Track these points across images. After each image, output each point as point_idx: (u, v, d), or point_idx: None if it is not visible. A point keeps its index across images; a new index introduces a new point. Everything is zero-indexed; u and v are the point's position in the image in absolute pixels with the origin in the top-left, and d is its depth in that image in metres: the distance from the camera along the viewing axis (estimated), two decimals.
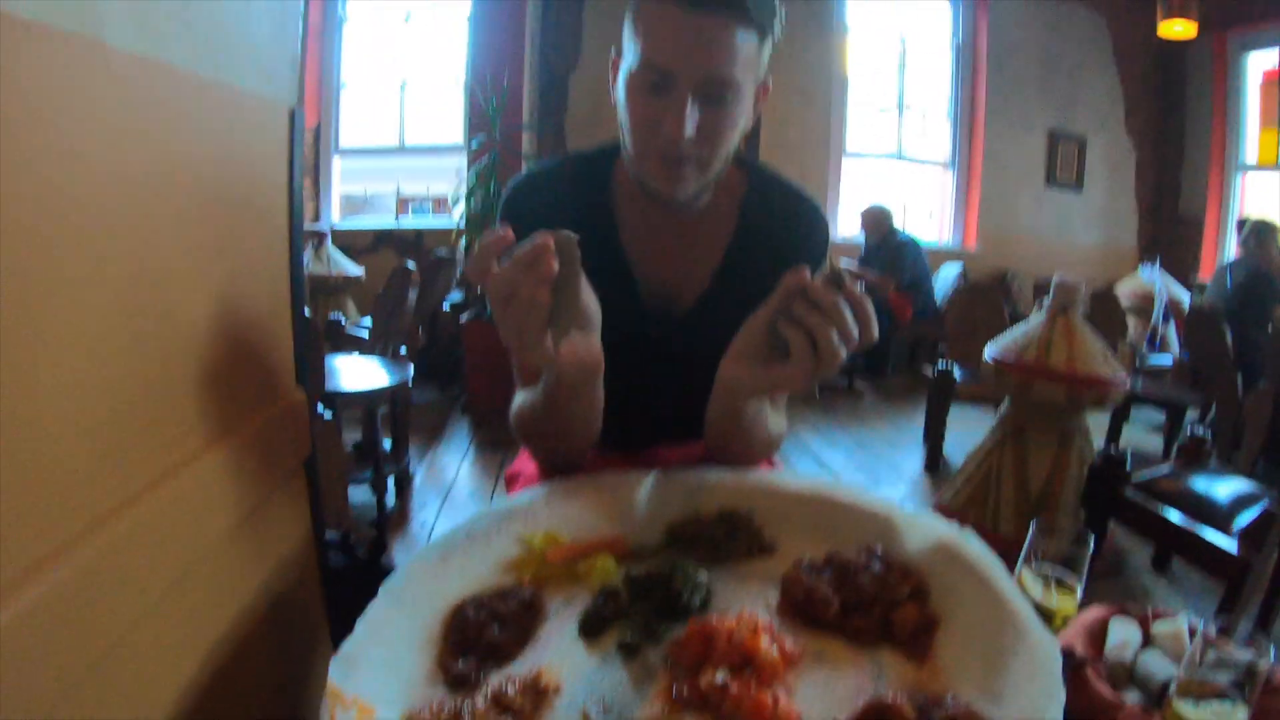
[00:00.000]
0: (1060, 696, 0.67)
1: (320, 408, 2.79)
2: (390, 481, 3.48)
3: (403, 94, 7.14)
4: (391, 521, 3.33)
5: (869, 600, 0.83)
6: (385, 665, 0.74)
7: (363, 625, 0.77)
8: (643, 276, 1.21)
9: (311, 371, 2.73)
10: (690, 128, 1.02)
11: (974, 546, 0.87)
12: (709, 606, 0.85)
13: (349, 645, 0.74)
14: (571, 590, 0.89)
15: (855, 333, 0.92)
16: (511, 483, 1.44)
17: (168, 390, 0.85)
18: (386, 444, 3.55)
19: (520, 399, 1.15)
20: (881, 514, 0.96)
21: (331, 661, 0.71)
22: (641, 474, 1.05)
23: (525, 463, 1.43)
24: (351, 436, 3.62)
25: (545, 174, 1.27)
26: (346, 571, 1.58)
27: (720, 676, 0.71)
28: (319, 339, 2.91)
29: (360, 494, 3.37)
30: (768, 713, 0.69)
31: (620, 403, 1.10)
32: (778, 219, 1.26)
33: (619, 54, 1.12)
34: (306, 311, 1.27)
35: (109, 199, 0.75)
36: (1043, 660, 0.71)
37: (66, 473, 0.69)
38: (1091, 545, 1.06)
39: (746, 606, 0.84)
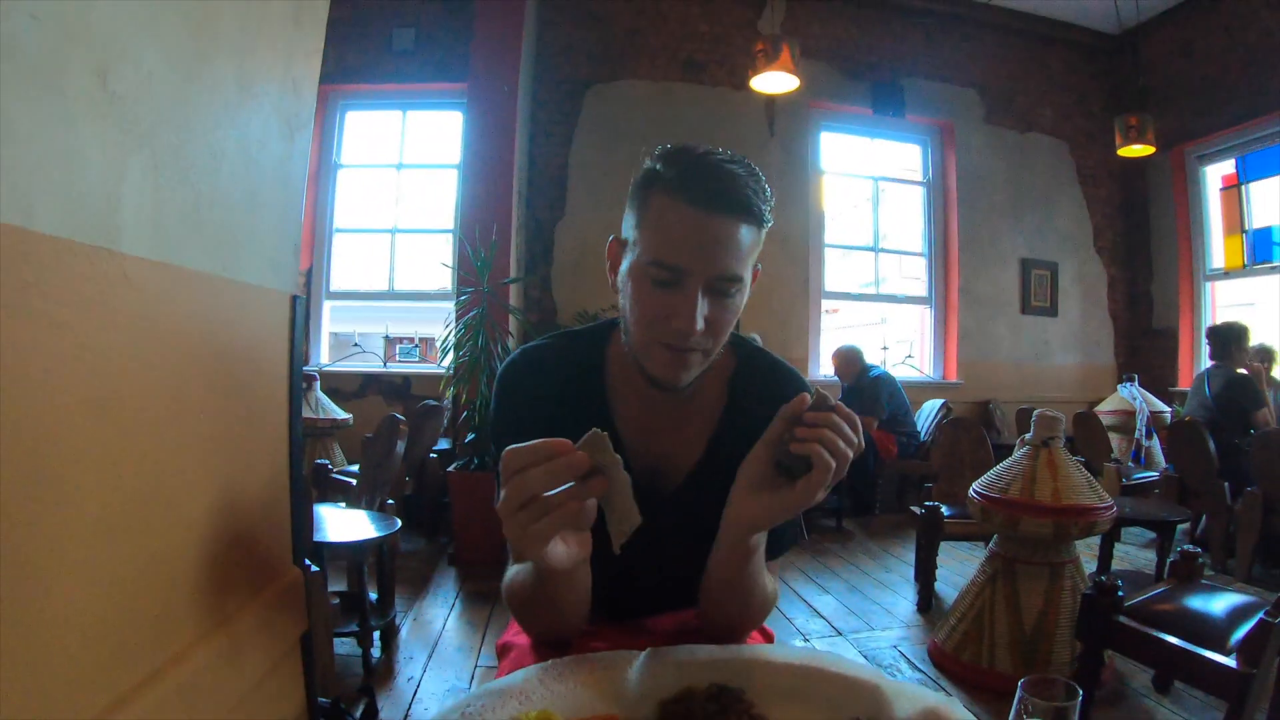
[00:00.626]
0: None
1: (307, 561, 2.78)
2: (376, 635, 3.42)
3: (393, 240, 7.33)
4: (377, 676, 3.26)
5: None
6: None
7: None
8: (634, 454, 1.23)
9: (306, 533, 2.75)
10: (700, 322, 1.07)
11: (959, 715, 0.88)
12: None
13: None
14: None
15: (855, 439, 0.98)
16: (503, 654, 1.43)
17: (171, 580, 0.87)
18: (372, 595, 3.50)
19: (512, 573, 1.17)
20: (870, 683, 0.98)
21: None
22: (633, 652, 1.06)
23: (517, 634, 1.43)
24: (336, 587, 3.56)
25: (539, 351, 1.30)
26: None
27: None
28: (310, 495, 2.91)
29: (344, 646, 3.30)
30: None
31: (610, 577, 1.12)
32: (764, 395, 1.28)
33: (617, 238, 1.18)
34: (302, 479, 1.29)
35: (123, 397, 0.79)
36: None
37: (73, 666, 0.71)
38: (1081, 696, 1.07)
39: None
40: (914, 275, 8.60)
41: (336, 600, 3.41)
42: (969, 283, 8.18)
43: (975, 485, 3.38)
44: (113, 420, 0.78)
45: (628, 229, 1.15)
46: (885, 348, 8.09)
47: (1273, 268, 7.55)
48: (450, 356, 4.91)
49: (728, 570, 1.11)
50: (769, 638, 1.47)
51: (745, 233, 1.07)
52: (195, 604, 0.91)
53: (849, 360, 6.75)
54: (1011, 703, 1.08)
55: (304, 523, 1.24)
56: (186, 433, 0.92)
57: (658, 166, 1.10)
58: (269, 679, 1.10)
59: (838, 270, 8.33)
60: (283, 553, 1.18)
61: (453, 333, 4.92)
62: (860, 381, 6.64)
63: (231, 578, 0.99)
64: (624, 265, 1.15)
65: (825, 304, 7.95)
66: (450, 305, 5.46)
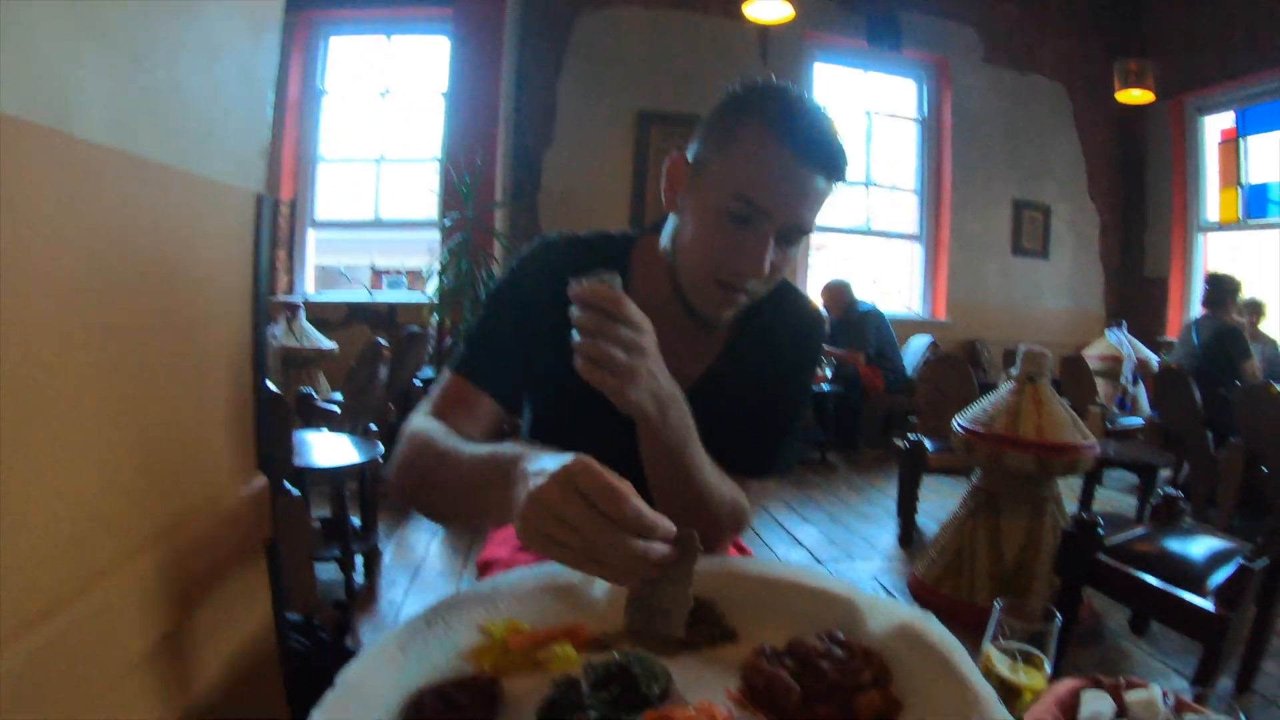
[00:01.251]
0: None
1: (287, 484, 2.76)
2: (359, 560, 3.43)
3: (379, 169, 7.20)
4: (360, 600, 3.27)
5: (831, 687, 0.82)
6: None
7: (318, 717, 0.75)
8: None
9: (280, 448, 2.72)
10: (767, 266, 1.06)
11: (936, 629, 0.87)
12: (669, 696, 0.84)
13: None
14: (532, 679, 0.87)
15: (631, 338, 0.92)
16: (484, 570, 1.42)
17: (126, 481, 0.85)
18: (355, 521, 3.50)
19: (432, 429, 1.08)
20: (843, 598, 0.96)
21: None
22: None
23: (497, 549, 1.41)
24: (320, 513, 3.57)
25: (567, 242, 1.27)
26: (310, 655, 1.54)
27: None
28: (289, 414, 2.89)
29: (328, 571, 3.32)
30: None
31: None
32: (775, 318, 1.29)
33: (682, 156, 1.15)
34: (270, 387, 1.26)
35: (77, 287, 0.75)
36: None
37: (22, 566, 0.68)
38: (1059, 620, 1.06)
39: (706, 696, 0.82)
40: (905, 213, 8.53)
41: (318, 524, 3.42)
42: (960, 222, 8.12)
43: (959, 418, 3.37)
44: (66, 309, 0.74)
45: (703, 151, 1.11)
46: (874, 282, 8.04)
47: (1267, 224, 7.52)
48: (435, 283, 4.86)
49: (646, 452, 1.07)
50: (744, 554, 1.45)
51: (825, 187, 1.08)
52: (150, 505, 0.89)
53: (837, 295, 6.73)
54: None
55: (271, 431, 1.21)
56: (142, 328, 0.88)
57: (750, 95, 1.08)
58: (229, 584, 1.08)
59: (829, 205, 8.19)
60: (246, 460, 1.15)
61: (437, 258, 4.85)
62: (848, 316, 6.63)
63: (190, 481, 0.96)
64: (691, 188, 1.12)
65: (815, 239, 7.87)
66: (436, 235, 5.39)
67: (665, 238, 1.20)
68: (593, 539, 0.77)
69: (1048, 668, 1.04)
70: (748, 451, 1.24)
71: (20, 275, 0.66)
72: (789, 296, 1.31)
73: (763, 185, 1.04)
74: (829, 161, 1.05)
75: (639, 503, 0.78)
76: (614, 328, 0.90)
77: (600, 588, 1.00)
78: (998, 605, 1.07)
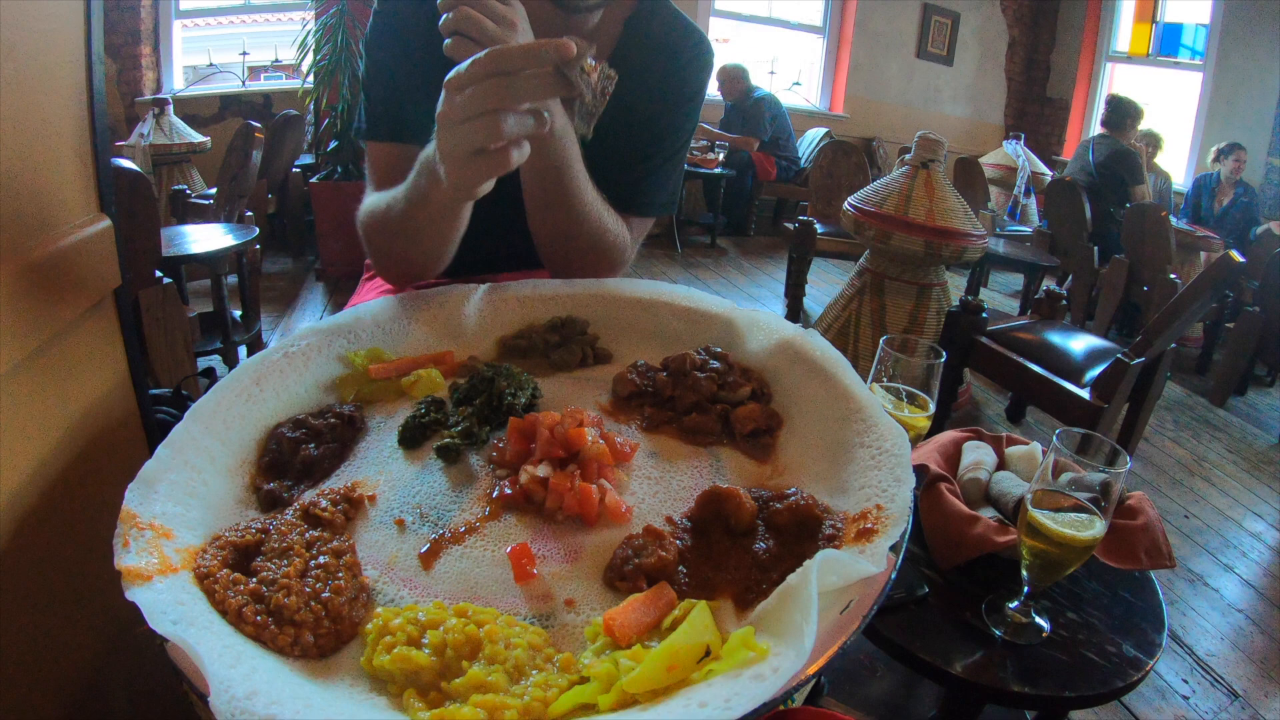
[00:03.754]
0: (909, 480, 0.64)
1: (159, 273, 2.61)
2: (242, 351, 3.31)
3: None
4: None
5: (708, 399, 0.80)
6: (189, 489, 0.67)
7: (165, 449, 0.69)
8: None
9: (145, 236, 2.56)
10: None
11: (817, 344, 0.84)
12: (535, 409, 0.80)
13: (149, 468, 0.66)
14: (395, 406, 0.83)
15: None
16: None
17: None
18: (236, 315, 3.36)
19: (376, 199, 1.04)
20: (723, 316, 0.93)
21: (129, 486, 0.63)
22: (471, 286, 0.98)
23: (368, 287, 1.35)
24: (203, 311, 3.41)
25: None
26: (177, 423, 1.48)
27: (541, 470, 0.67)
28: (152, 200, 2.69)
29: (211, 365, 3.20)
30: (593, 505, 0.65)
31: (479, 233, 1.02)
32: (661, 43, 1.21)
33: None
34: (103, 131, 1.14)
35: None
36: (890, 448, 0.69)
37: None
38: (944, 357, 1.06)
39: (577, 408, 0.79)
40: (811, 4, 8.24)
41: (194, 314, 3.27)
42: (866, 17, 7.89)
43: (851, 199, 3.35)
44: None
45: None
46: (773, 72, 7.85)
47: (1175, 63, 7.53)
48: (309, 59, 4.51)
49: (537, 183, 1.01)
50: None
51: None
52: None
53: (733, 79, 6.53)
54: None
55: (110, 172, 1.09)
56: None
57: None
58: (76, 333, 0.99)
59: None
60: (85, 197, 1.04)
61: (310, 34, 4.49)
62: (744, 102, 6.47)
63: (27, 225, 0.86)
64: None
65: (716, 30, 7.58)
66: (311, 17, 4.97)
67: None
68: (502, 70, 0.71)
69: (931, 406, 1.04)
70: (632, 183, 1.19)
71: None
72: (680, 20, 1.23)
73: None
74: None
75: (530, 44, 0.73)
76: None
77: (470, 311, 0.94)
78: (883, 342, 1.07)
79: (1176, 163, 6.98)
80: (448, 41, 0.83)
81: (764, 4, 7.90)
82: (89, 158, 1.07)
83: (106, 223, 1.09)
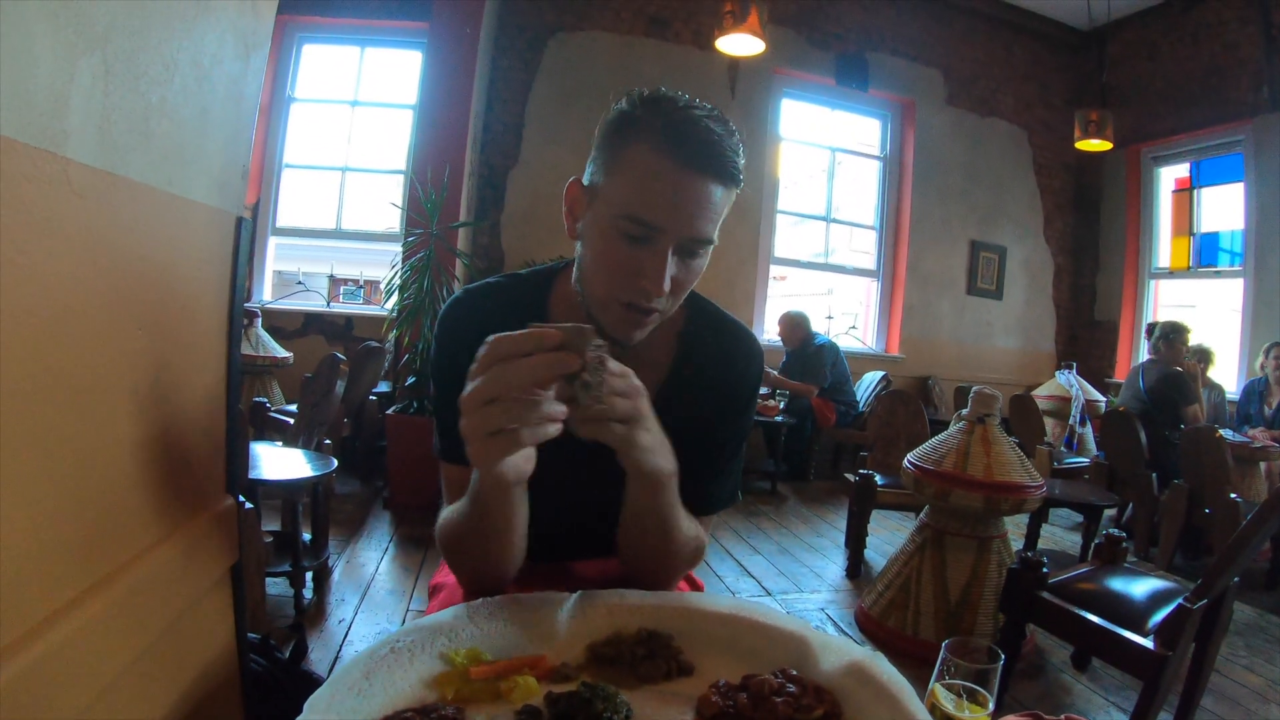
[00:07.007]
0: None
1: (241, 498, 2.73)
2: (308, 576, 3.39)
3: (343, 179, 7.17)
4: (308, 617, 3.24)
5: None
6: None
7: None
8: None
9: (239, 463, 2.70)
10: (668, 283, 1.04)
11: (885, 668, 0.90)
12: None
13: None
14: (494, 709, 0.89)
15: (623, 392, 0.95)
16: (434, 593, 1.42)
17: (100, 503, 0.85)
18: (306, 537, 3.47)
19: (447, 512, 1.14)
20: (797, 635, 0.99)
21: None
22: (564, 594, 1.06)
23: (449, 574, 1.41)
24: (270, 527, 3.53)
25: (483, 290, 1.26)
26: (266, 675, 1.54)
27: None
28: (246, 428, 2.86)
29: (276, 586, 3.29)
30: None
31: (548, 523, 1.11)
32: (715, 351, 1.28)
33: (578, 182, 1.13)
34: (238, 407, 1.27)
35: (59, 307, 0.76)
36: None
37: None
38: (1003, 659, 1.10)
39: None
40: (864, 249, 8.68)
41: (270, 539, 3.38)
42: (917, 259, 8.29)
43: (910, 456, 3.44)
44: (48, 330, 0.75)
45: (595, 174, 1.09)
46: (830, 317, 8.15)
47: (1216, 271, 7.79)
48: (395, 298, 4.85)
49: (635, 504, 1.10)
50: (697, 589, 1.47)
51: (721, 194, 1.04)
52: (122, 528, 0.89)
53: (795, 326, 6.80)
54: (933, 669, 1.11)
55: (239, 453, 1.21)
56: (123, 350, 0.89)
57: (636, 112, 1.04)
58: (197, 608, 1.08)
59: (788, 238, 8.37)
60: (216, 481, 1.16)
61: (398, 274, 4.84)
62: (804, 349, 6.70)
63: (162, 503, 0.97)
64: (588, 213, 1.10)
65: (773, 270, 7.98)
66: (397, 248, 5.37)
67: (575, 266, 1.18)
68: (516, 383, 0.83)
69: (991, 704, 1.08)
70: (695, 488, 1.23)
71: (7, 292, 0.68)
72: (728, 328, 1.31)
73: (652, 204, 1.01)
74: (721, 168, 1.02)
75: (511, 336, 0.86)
76: (611, 378, 0.91)
77: (562, 618, 1.02)
78: (944, 648, 1.11)
79: (1229, 370, 7.06)
80: (578, 424, 0.92)
81: (820, 247, 8.30)
82: (221, 435, 1.20)
83: (231, 502, 1.21)
